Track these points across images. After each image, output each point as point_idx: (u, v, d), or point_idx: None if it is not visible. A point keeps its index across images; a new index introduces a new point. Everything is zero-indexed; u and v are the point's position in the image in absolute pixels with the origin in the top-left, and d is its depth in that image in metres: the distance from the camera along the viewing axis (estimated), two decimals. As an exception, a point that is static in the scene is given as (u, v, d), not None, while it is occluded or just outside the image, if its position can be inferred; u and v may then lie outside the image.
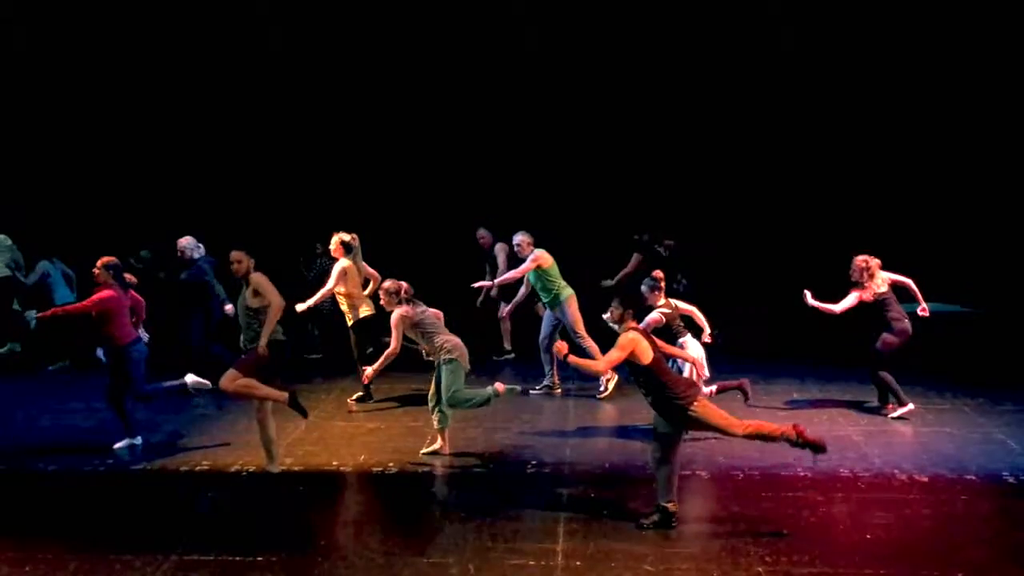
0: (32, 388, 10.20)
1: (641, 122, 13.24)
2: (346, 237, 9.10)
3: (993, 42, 12.53)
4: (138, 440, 8.01)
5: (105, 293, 7.76)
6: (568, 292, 9.32)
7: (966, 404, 8.96)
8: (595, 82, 13.11)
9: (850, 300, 8.58)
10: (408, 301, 7.60)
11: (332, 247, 9.18)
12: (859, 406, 8.90)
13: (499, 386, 7.51)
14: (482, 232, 11.18)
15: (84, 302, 7.91)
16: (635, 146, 13.27)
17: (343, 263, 9.04)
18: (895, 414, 8.49)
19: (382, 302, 7.71)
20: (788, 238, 12.68)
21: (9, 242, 11.40)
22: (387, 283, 7.65)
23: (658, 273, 8.28)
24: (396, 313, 7.55)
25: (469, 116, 13.28)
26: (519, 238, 9.50)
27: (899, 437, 7.94)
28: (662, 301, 8.07)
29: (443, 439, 7.61)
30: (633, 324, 6.13)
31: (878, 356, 8.54)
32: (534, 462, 7.43)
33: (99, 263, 7.86)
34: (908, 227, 13.03)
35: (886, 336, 8.52)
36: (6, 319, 11.42)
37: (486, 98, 13.23)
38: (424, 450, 7.64)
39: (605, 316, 6.42)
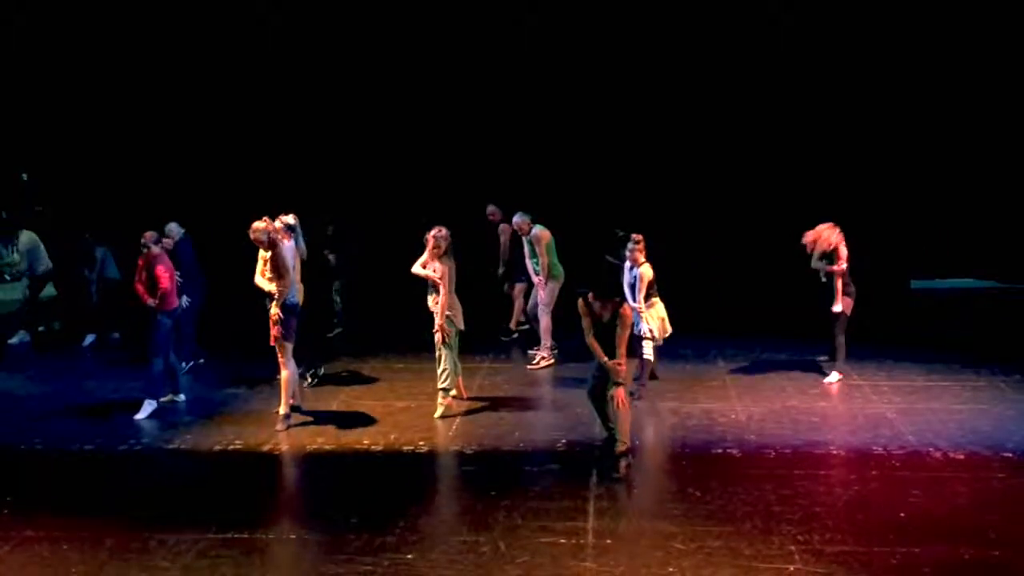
0: (68, 367, 10.35)
1: (640, 116, 13.10)
2: (291, 220, 8.62)
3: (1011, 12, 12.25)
4: (181, 397, 8.62)
5: (165, 266, 8.32)
6: (558, 272, 9.79)
7: (1002, 381, 8.82)
8: (593, 76, 12.98)
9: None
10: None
11: (278, 229, 8.44)
12: (893, 384, 8.80)
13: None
14: (492, 208, 11.19)
15: (162, 282, 8.26)
16: (633, 140, 13.14)
17: (295, 245, 8.62)
18: (832, 378, 8.85)
19: (433, 249, 7.83)
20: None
21: (36, 237, 11.60)
22: (444, 231, 7.89)
23: (637, 236, 8.53)
24: (441, 264, 7.86)
25: (465, 105, 13.20)
26: (517, 219, 9.88)
27: (934, 414, 7.84)
28: (642, 259, 8.43)
29: (458, 387, 8.19)
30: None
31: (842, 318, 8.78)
32: (564, 440, 7.42)
33: (147, 237, 8.30)
34: (942, 203, 12.84)
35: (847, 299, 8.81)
36: (33, 309, 11.67)
37: (482, 88, 13.14)
38: (436, 414, 8.01)
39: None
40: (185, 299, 9.26)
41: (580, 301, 6.72)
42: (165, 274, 8.29)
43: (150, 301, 8.27)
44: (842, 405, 8.20)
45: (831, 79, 12.79)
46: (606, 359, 6.64)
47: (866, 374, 9.11)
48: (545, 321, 9.80)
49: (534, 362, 9.87)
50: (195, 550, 5.58)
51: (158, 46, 13.16)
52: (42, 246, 11.58)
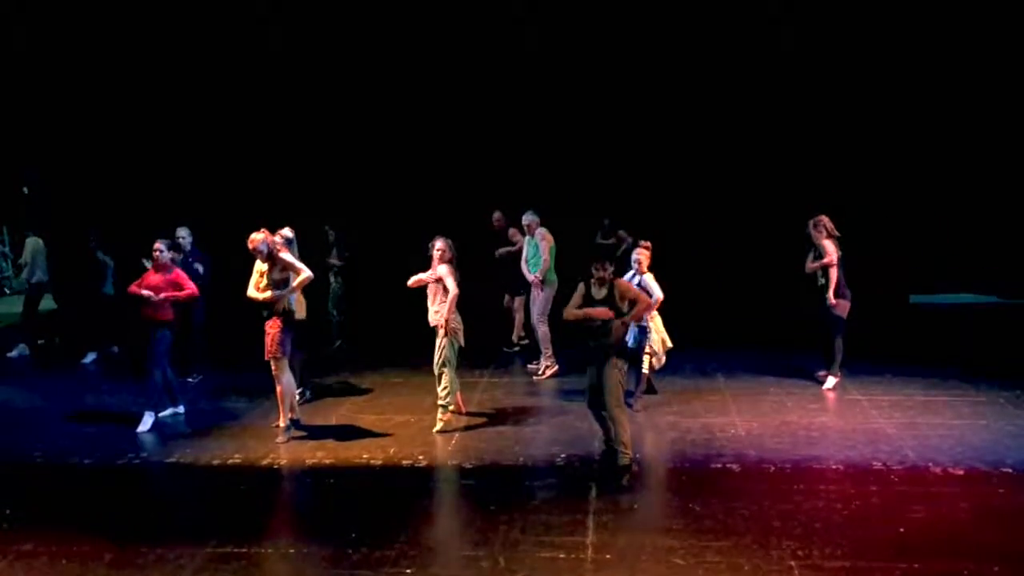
0: (67, 380, 10.35)
1: (640, 124, 13.16)
2: (289, 233, 8.78)
3: (1013, 23, 12.29)
4: (181, 410, 8.69)
5: (181, 273, 8.55)
6: (553, 277, 9.93)
7: (1001, 396, 8.83)
8: (592, 77, 13.04)
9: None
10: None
11: (277, 242, 8.63)
12: (893, 399, 8.80)
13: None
14: (498, 215, 11.28)
15: (187, 285, 8.45)
16: (634, 148, 13.19)
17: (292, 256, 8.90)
18: (829, 384, 9.08)
19: (444, 255, 7.87)
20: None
21: (42, 245, 11.65)
22: (449, 241, 7.96)
23: (646, 242, 8.67)
24: (448, 267, 7.91)
25: (465, 108, 13.25)
26: (528, 218, 9.98)
27: (933, 430, 7.84)
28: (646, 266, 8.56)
29: (456, 402, 8.16)
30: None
31: (840, 321, 8.97)
32: (563, 454, 7.42)
33: (161, 246, 8.44)
34: (941, 218, 12.87)
35: (843, 302, 8.99)
36: (31, 321, 11.70)
37: (482, 91, 13.19)
38: (436, 428, 7.98)
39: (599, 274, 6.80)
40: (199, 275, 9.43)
41: (581, 284, 6.82)
42: (185, 277, 8.51)
43: (147, 294, 8.29)
44: (841, 420, 8.20)
45: (832, 94, 12.85)
46: (589, 309, 6.69)
47: (866, 389, 9.11)
48: (543, 330, 9.86)
49: (539, 373, 9.89)
50: (194, 564, 5.57)
51: (159, 57, 13.22)
52: (43, 256, 11.64)
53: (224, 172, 13.41)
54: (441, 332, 7.94)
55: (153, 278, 8.44)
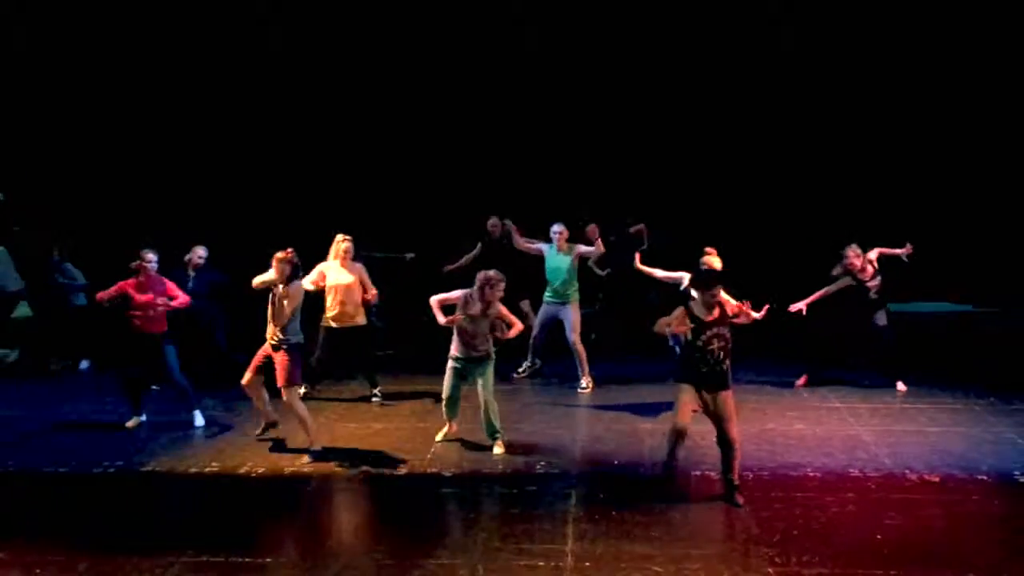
0: (42, 388, 10.24)
1: (638, 120, 13.23)
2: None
3: (1001, 32, 12.46)
4: (143, 417, 8.58)
5: (171, 284, 8.50)
6: (578, 294, 9.69)
7: (977, 403, 8.92)
8: (594, 80, 13.09)
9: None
10: None
11: (341, 252, 8.97)
12: (870, 406, 8.87)
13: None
14: (494, 220, 11.01)
15: (177, 297, 8.40)
16: (633, 144, 13.25)
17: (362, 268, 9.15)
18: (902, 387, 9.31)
19: (496, 293, 7.55)
20: (792, 236, 12.62)
21: (7, 254, 11.51)
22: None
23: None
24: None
25: (466, 113, 13.27)
26: (559, 227, 9.65)
27: (909, 437, 7.90)
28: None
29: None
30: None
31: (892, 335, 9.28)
32: (543, 462, 7.42)
33: (151, 257, 8.34)
34: (917, 226, 12.98)
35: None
36: (4, 328, 11.57)
37: (484, 94, 13.21)
38: (437, 437, 7.97)
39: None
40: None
41: (680, 308, 6.52)
42: (175, 287, 8.47)
43: (161, 302, 8.27)
44: (819, 427, 8.25)
45: (811, 106, 12.97)
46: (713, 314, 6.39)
47: (843, 396, 9.18)
48: (580, 347, 9.58)
49: (583, 387, 9.57)
50: (170, 573, 5.52)
51: (138, 64, 13.17)
52: (11, 264, 11.46)
53: (209, 183, 13.34)
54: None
55: (144, 290, 8.26)
